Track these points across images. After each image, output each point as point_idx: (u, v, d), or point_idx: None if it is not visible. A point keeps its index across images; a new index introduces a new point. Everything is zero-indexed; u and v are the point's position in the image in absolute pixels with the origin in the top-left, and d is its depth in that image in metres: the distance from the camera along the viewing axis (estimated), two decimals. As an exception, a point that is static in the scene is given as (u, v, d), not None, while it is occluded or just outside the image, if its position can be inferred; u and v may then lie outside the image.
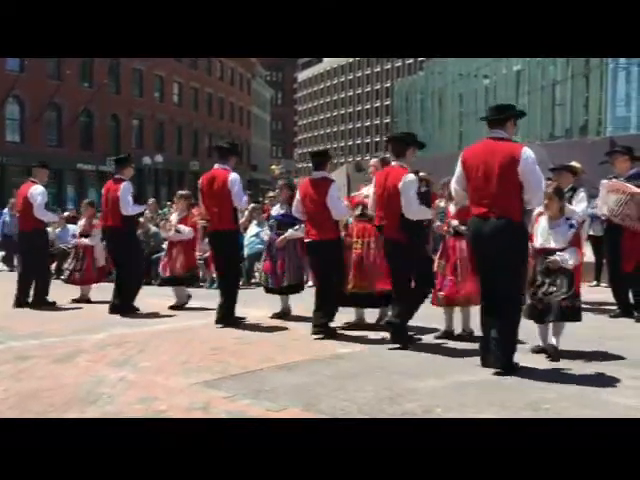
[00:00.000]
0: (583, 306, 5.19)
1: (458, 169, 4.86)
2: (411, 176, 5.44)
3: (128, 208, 7.55)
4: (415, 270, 5.51)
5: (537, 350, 5.15)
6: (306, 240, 6.26)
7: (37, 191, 8.20)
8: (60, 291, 8.64)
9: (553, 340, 4.98)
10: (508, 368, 4.50)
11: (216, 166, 6.89)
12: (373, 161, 6.83)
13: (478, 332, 4.96)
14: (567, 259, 4.90)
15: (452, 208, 5.86)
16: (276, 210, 7.44)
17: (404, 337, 5.43)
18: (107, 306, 7.73)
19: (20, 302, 8.16)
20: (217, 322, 6.62)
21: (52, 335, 6.14)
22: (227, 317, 6.62)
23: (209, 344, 5.68)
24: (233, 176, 6.67)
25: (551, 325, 4.99)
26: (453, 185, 5.02)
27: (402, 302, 5.46)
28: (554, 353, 4.91)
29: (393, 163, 5.68)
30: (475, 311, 5.28)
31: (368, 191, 6.14)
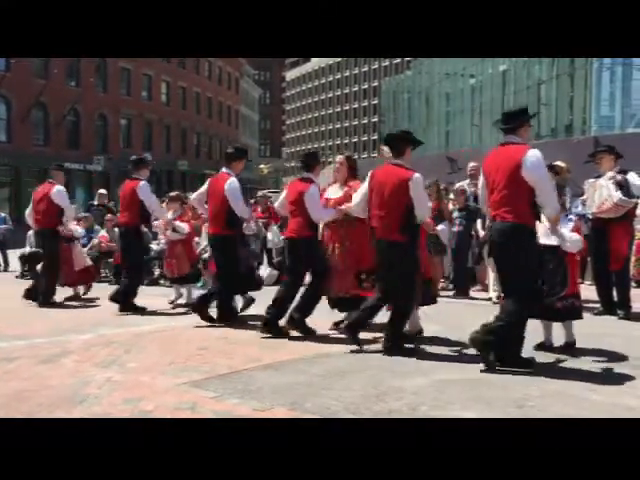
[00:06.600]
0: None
1: (480, 177, 5.23)
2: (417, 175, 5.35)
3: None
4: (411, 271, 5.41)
5: (537, 346, 5.28)
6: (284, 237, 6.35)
7: (64, 193, 8.60)
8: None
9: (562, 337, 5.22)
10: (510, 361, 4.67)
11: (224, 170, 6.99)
12: (339, 158, 6.84)
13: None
14: (567, 238, 5.00)
15: None
16: None
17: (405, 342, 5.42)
18: (92, 307, 7.70)
19: (31, 296, 8.42)
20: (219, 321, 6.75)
21: (38, 336, 6.12)
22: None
23: (195, 344, 5.68)
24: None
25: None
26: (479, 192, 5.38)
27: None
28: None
29: (393, 162, 5.48)
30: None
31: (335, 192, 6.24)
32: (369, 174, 5.58)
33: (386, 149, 6.17)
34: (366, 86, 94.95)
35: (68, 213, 8.68)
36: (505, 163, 4.73)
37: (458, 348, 5.41)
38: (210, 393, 4.09)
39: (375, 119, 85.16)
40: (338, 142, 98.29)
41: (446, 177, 11.37)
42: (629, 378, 4.46)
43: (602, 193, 6.74)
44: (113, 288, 8.70)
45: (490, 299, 8.25)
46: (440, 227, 6.22)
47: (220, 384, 4.31)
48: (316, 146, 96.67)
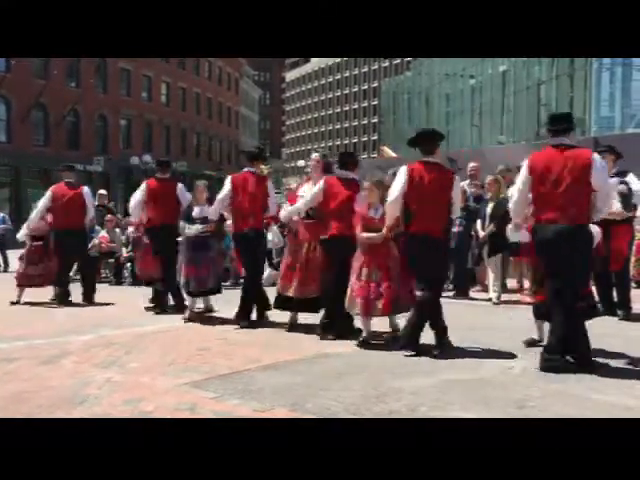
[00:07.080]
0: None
1: (523, 176, 4.89)
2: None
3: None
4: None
5: (529, 342, 5.38)
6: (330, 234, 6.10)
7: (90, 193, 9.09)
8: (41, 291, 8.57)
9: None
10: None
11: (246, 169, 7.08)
12: (314, 156, 6.85)
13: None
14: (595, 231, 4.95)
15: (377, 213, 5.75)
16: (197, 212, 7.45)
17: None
18: (92, 307, 7.71)
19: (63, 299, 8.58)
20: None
21: (38, 337, 6.12)
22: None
23: (195, 345, 5.68)
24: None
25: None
26: (516, 190, 5.05)
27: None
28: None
29: (431, 160, 5.42)
30: None
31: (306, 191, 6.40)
32: (406, 170, 5.39)
33: (387, 149, 6.18)
34: (366, 87, 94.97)
35: (91, 213, 9.04)
36: (573, 163, 4.61)
37: (458, 349, 5.40)
38: (210, 394, 4.09)
39: (375, 120, 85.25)
40: (338, 143, 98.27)
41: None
42: (628, 378, 4.46)
43: None
44: (113, 288, 8.74)
45: (490, 300, 8.25)
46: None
47: (220, 385, 4.30)
48: (316, 147, 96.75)
